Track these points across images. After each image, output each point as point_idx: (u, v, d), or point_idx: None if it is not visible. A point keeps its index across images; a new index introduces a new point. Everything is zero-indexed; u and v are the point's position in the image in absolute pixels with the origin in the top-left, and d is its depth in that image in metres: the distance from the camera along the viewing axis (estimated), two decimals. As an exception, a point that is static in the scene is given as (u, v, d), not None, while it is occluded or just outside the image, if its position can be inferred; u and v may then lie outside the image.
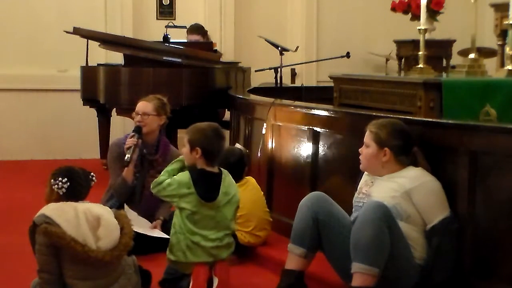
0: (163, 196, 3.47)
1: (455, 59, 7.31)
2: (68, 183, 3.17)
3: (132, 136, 4.36)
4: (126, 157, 4.31)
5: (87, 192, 3.27)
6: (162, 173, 3.48)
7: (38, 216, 3.11)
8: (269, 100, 4.92)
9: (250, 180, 4.40)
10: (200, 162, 3.44)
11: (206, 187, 3.41)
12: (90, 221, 3.11)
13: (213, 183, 3.44)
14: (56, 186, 3.17)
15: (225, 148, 4.05)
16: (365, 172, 3.52)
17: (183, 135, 3.62)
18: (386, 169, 3.38)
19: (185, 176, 3.41)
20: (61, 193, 3.17)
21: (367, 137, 3.42)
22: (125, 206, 4.25)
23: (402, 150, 3.36)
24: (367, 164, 3.44)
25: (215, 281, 3.41)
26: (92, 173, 3.32)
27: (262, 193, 4.44)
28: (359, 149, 3.48)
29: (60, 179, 3.18)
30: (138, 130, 4.40)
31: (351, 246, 3.19)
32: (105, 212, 3.19)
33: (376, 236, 3.11)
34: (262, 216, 4.35)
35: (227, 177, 3.51)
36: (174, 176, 3.43)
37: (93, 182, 3.32)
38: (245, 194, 4.15)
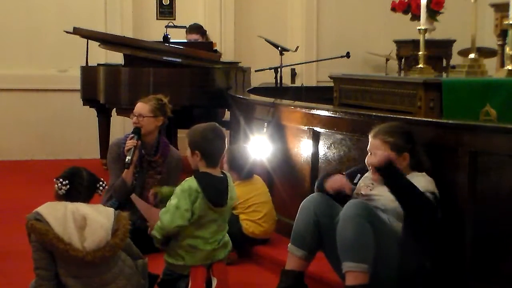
0: (180, 225, 3.33)
1: (455, 59, 7.31)
2: (68, 186, 3.20)
3: (132, 138, 4.35)
4: (126, 159, 4.31)
5: (86, 196, 3.26)
6: (154, 229, 3.39)
7: (31, 213, 3.16)
8: (269, 100, 4.91)
9: (255, 176, 4.47)
10: (202, 164, 3.43)
11: (215, 192, 3.40)
12: (77, 220, 3.12)
13: (222, 188, 3.44)
14: (56, 186, 3.21)
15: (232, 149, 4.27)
16: (366, 175, 3.48)
17: (183, 135, 3.61)
18: None
19: (193, 182, 3.36)
20: (60, 194, 3.20)
21: (381, 148, 3.29)
22: (133, 194, 4.24)
23: (414, 152, 3.34)
24: None
25: (214, 282, 3.41)
26: (101, 182, 3.29)
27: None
28: (369, 162, 3.34)
29: (61, 180, 3.21)
30: (137, 131, 4.39)
31: (338, 247, 3.19)
32: (92, 212, 3.17)
33: (358, 232, 3.11)
34: (270, 209, 4.39)
35: (230, 181, 3.51)
36: (176, 191, 3.36)
37: (100, 191, 3.29)
38: (254, 186, 4.34)
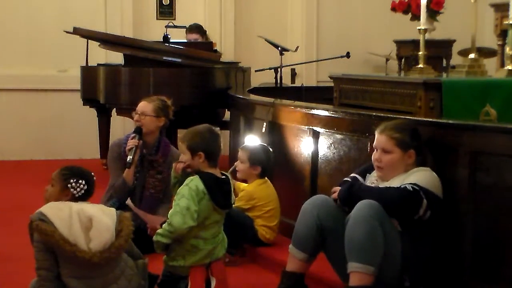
0: (191, 226, 3.28)
1: (455, 59, 7.31)
2: (86, 186, 3.21)
3: (133, 137, 4.36)
4: (128, 159, 4.32)
5: (91, 195, 3.29)
6: (160, 235, 3.32)
7: (35, 213, 3.14)
8: (269, 100, 4.92)
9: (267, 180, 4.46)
10: (205, 165, 3.42)
11: (221, 194, 3.40)
12: (83, 221, 3.11)
13: (227, 190, 3.44)
14: (74, 188, 3.20)
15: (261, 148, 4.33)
16: (372, 174, 3.46)
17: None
18: (402, 171, 3.31)
19: (199, 183, 3.34)
20: (77, 195, 3.20)
21: (387, 144, 3.30)
22: (128, 200, 4.26)
23: (420, 149, 3.34)
24: (391, 170, 3.32)
25: (213, 282, 3.41)
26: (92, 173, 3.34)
27: None
28: (375, 158, 3.35)
29: (80, 181, 3.20)
30: (139, 131, 4.41)
31: (345, 246, 3.17)
32: (98, 213, 3.16)
33: (370, 234, 3.10)
34: (279, 214, 4.38)
35: (232, 182, 3.52)
36: (183, 192, 3.32)
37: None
38: (270, 190, 4.33)
